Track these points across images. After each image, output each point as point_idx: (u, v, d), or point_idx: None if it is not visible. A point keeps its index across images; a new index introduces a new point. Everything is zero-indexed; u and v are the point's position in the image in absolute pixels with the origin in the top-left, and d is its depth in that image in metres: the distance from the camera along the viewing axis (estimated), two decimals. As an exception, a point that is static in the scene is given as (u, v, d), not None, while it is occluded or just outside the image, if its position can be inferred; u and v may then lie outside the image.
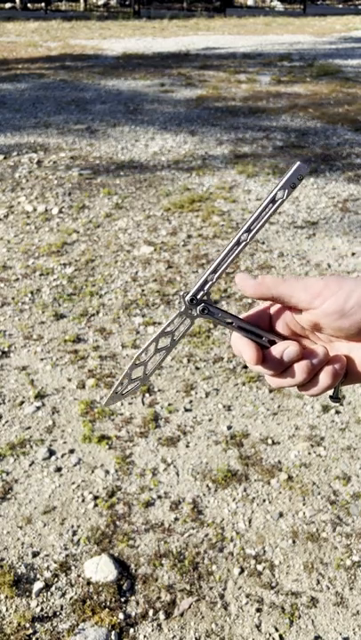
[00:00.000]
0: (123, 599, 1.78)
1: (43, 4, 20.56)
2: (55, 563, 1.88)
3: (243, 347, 0.61)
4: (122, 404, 2.53)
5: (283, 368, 0.60)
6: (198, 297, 0.64)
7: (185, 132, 6.32)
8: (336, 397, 0.63)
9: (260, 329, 0.62)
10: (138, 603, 1.77)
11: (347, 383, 0.63)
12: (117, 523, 2.01)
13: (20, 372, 2.72)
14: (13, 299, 3.28)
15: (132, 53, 11.42)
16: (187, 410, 2.52)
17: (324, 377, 0.59)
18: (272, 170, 5.22)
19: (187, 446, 2.33)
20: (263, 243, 3.93)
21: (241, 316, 0.63)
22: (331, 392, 0.63)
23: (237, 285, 0.62)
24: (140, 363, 0.66)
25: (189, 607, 1.76)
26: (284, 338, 0.62)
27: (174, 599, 1.78)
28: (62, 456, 2.28)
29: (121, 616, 1.73)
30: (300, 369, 0.59)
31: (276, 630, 1.71)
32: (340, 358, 0.60)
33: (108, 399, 0.67)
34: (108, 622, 1.71)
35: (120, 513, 2.04)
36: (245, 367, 2.77)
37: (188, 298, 0.64)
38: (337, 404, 0.64)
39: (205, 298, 0.64)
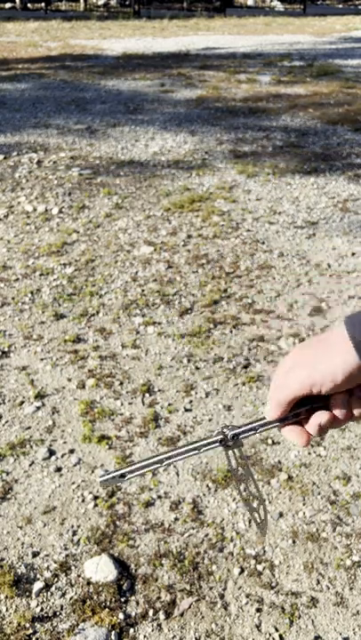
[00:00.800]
0: (123, 599, 1.78)
1: (43, 4, 20.57)
2: (55, 563, 1.88)
3: (290, 436, 0.72)
4: (122, 404, 2.53)
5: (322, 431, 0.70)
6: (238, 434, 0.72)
7: (185, 132, 6.32)
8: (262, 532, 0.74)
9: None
10: (138, 603, 1.77)
11: None
12: (117, 523, 2.01)
13: (19, 371, 2.72)
14: (13, 299, 3.28)
15: (132, 53, 11.42)
16: (187, 410, 2.52)
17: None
18: (272, 170, 5.22)
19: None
20: (263, 243, 3.93)
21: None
22: None
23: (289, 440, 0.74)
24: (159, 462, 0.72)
25: (189, 607, 1.76)
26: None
27: (174, 599, 1.78)
28: (62, 456, 2.28)
29: (121, 616, 1.73)
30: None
31: (276, 630, 1.71)
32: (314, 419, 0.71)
33: (107, 479, 0.70)
34: (108, 622, 1.71)
35: (120, 513, 2.04)
36: (245, 367, 2.77)
37: (231, 434, 0.72)
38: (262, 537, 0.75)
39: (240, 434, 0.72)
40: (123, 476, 0.69)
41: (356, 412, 0.67)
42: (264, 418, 0.71)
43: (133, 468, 0.69)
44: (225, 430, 0.71)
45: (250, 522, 2.02)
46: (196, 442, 0.71)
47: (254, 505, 0.71)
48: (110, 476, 0.69)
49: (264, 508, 0.71)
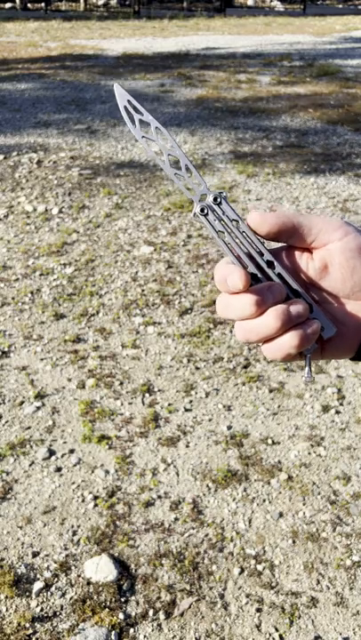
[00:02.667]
0: (123, 599, 1.78)
1: (43, 4, 20.57)
2: (55, 563, 1.88)
3: (232, 269, 0.53)
4: (122, 404, 2.53)
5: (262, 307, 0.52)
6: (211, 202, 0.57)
7: (185, 131, 6.32)
8: (309, 376, 0.57)
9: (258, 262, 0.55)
10: (138, 603, 1.77)
11: (328, 357, 0.56)
12: (117, 523, 2.01)
13: (19, 371, 2.72)
14: (13, 299, 3.28)
15: (132, 53, 11.42)
16: (187, 410, 2.52)
17: (291, 336, 0.51)
18: (272, 170, 5.22)
19: (187, 446, 2.33)
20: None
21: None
22: (306, 372, 0.57)
23: (254, 222, 0.55)
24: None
25: (189, 607, 1.76)
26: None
27: (174, 599, 1.78)
28: (62, 456, 2.28)
29: (121, 616, 1.73)
30: (274, 314, 0.51)
31: (277, 630, 1.71)
32: (314, 324, 0.52)
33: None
34: (108, 622, 1.71)
35: (120, 513, 2.04)
36: (245, 367, 2.77)
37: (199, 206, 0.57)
38: (310, 383, 0.59)
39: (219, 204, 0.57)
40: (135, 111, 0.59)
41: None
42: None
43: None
44: (208, 198, 0.57)
45: (250, 522, 2.02)
46: (183, 174, 0.61)
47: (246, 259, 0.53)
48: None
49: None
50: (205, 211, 0.57)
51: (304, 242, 0.54)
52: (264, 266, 0.55)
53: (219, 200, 0.57)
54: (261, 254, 0.56)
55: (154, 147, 0.55)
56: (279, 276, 0.55)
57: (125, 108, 0.61)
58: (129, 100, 0.61)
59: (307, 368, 0.56)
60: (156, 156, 0.60)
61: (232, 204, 4.51)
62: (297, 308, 0.52)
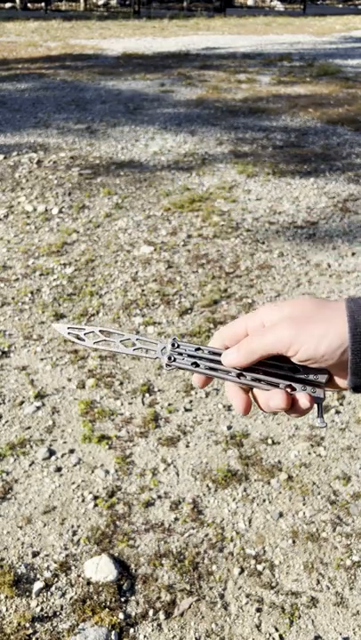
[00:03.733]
0: (123, 599, 1.78)
1: (43, 4, 20.56)
2: (55, 563, 1.88)
3: (232, 397, 0.66)
4: (122, 404, 2.53)
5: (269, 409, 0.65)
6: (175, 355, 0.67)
7: (185, 131, 6.31)
8: (322, 422, 0.68)
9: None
10: (138, 603, 1.77)
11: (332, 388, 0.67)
12: (117, 523, 2.01)
13: (19, 371, 2.72)
14: (13, 299, 3.28)
15: (132, 53, 11.42)
16: (187, 410, 2.52)
17: (302, 400, 0.64)
18: (272, 170, 5.22)
19: (187, 446, 2.33)
20: (263, 242, 3.93)
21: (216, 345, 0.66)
22: (316, 415, 0.67)
23: (231, 364, 0.65)
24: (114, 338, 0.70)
25: (189, 607, 1.76)
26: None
27: (174, 599, 1.78)
28: (62, 456, 2.28)
29: (121, 616, 1.73)
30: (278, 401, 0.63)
31: (277, 630, 1.71)
32: (303, 398, 0.65)
33: (59, 326, 0.70)
34: (108, 622, 1.71)
35: (120, 513, 2.04)
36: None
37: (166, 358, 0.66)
38: (323, 427, 0.68)
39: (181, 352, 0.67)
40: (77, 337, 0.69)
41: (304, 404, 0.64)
42: (214, 355, 0.65)
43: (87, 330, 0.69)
44: (167, 348, 0.66)
45: (250, 521, 2.02)
46: (140, 345, 0.68)
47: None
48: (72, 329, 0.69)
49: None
50: (172, 358, 0.66)
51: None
52: (237, 374, 0.65)
53: (175, 344, 0.66)
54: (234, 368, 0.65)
55: (111, 344, 0.62)
56: (253, 379, 0.64)
57: (69, 334, 0.72)
58: (68, 327, 0.71)
59: (319, 415, 0.67)
60: (113, 348, 0.70)
61: (232, 204, 4.52)
62: (275, 402, 0.63)
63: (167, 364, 0.66)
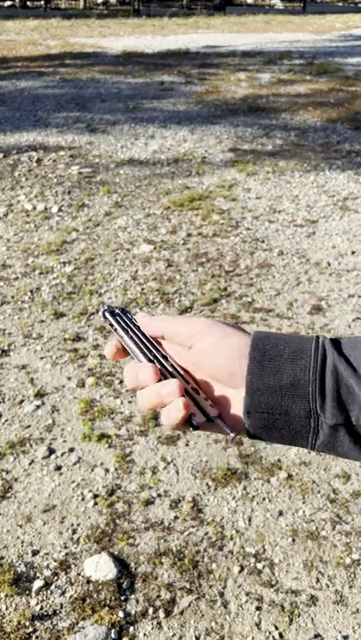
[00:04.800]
0: (122, 597, 1.78)
1: (42, 2, 20.53)
2: (55, 561, 1.88)
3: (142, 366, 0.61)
4: (121, 403, 2.53)
5: (135, 384, 0.60)
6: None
7: (185, 130, 6.31)
8: (228, 433, 0.59)
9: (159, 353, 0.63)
10: (138, 601, 1.77)
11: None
12: (117, 521, 2.01)
13: (19, 370, 2.72)
14: (13, 297, 3.28)
15: (131, 51, 11.41)
16: (186, 408, 2.51)
17: (162, 412, 0.58)
18: (272, 168, 5.22)
19: (186, 445, 2.33)
20: (263, 241, 3.93)
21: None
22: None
23: (141, 323, 0.64)
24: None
25: (189, 605, 1.76)
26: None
27: (174, 597, 1.78)
28: (62, 455, 2.28)
29: (121, 614, 1.73)
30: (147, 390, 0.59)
31: (276, 628, 1.71)
32: (173, 411, 0.56)
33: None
34: (108, 620, 1.71)
35: (120, 511, 2.04)
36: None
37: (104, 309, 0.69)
38: (231, 441, 0.62)
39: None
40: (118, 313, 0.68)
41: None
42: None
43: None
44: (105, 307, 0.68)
45: (249, 520, 2.02)
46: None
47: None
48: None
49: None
50: (113, 313, 0.68)
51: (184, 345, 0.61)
52: (161, 359, 0.62)
53: (125, 310, 0.68)
54: (157, 350, 0.63)
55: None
56: (172, 367, 0.61)
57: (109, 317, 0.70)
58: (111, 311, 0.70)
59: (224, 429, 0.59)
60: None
61: (232, 202, 4.51)
62: (167, 389, 0.57)
63: (103, 314, 0.68)
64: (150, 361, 0.61)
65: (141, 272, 3.54)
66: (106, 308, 0.68)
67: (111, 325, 0.67)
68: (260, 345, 0.56)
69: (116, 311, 0.68)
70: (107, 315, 0.68)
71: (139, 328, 0.65)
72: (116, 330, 0.66)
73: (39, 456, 2.26)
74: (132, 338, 0.64)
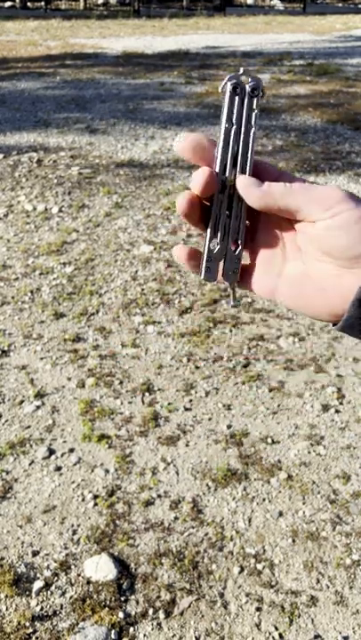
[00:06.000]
0: (122, 598, 1.78)
1: (42, 3, 20.54)
2: (55, 562, 1.88)
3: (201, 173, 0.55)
4: (121, 404, 2.53)
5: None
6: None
7: (185, 130, 6.31)
8: (235, 300, 0.58)
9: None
10: (138, 602, 1.77)
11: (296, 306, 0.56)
12: (117, 522, 2.01)
13: (19, 371, 2.72)
14: (13, 298, 3.28)
15: (131, 52, 11.41)
16: (186, 409, 2.52)
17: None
18: (272, 169, 5.22)
19: (186, 445, 2.33)
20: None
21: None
22: (231, 300, 0.59)
23: (239, 190, 0.54)
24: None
25: (189, 606, 1.76)
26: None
27: (174, 598, 1.78)
28: (62, 455, 2.28)
29: (121, 615, 1.73)
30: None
31: (276, 629, 1.71)
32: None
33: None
34: (108, 621, 1.71)
35: (120, 512, 2.04)
36: (245, 366, 2.77)
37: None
38: (237, 307, 0.58)
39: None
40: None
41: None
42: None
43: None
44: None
45: (249, 521, 2.02)
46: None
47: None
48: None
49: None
50: (238, 91, 0.53)
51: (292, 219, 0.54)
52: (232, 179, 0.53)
53: (257, 92, 0.53)
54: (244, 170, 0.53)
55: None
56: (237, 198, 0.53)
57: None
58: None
59: (231, 295, 0.57)
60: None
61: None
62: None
63: (223, 88, 0.53)
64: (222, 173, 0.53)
65: (141, 272, 3.54)
66: (231, 85, 0.53)
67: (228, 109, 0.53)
68: None
69: (246, 88, 0.54)
70: (228, 87, 0.53)
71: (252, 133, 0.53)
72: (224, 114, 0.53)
73: (39, 456, 2.26)
74: (227, 143, 0.53)
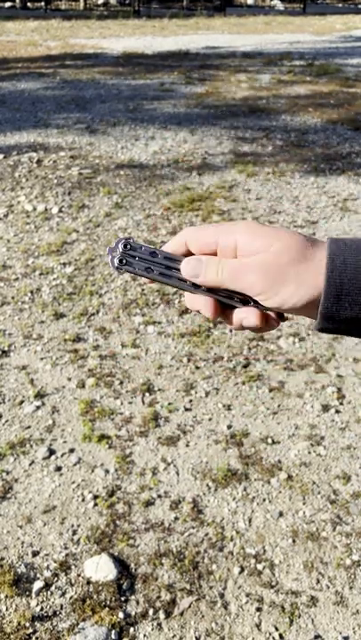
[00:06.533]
0: (123, 598, 1.78)
1: (42, 3, 20.54)
2: (55, 562, 1.88)
3: (196, 302, 0.61)
4: (122, 404, 2.53)
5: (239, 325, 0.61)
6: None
7: (185, 131, 6.31)
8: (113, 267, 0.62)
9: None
10: (138, 602, 1.77)
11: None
12: (117, 522, 2.01)
13: (19, 371, 2.72)
14: (13, 298, 3.28)
15: (131, 52, 11.41)
16: (187, 409, 2.52)
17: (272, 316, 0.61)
18: (272, 169, 5.22)
19: (187, 445, 2.33)
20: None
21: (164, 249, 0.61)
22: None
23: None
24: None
25: (189, 606, 1.76)
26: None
27: (174, 598, 1.78)
28: (62, 455, 2.28)
29: (121, 615, 1.73)
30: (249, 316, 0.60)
31: (276, 629, 1.71)
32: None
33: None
34: (108, 621, 1.71)
35: (120, 512, 2.04)
36: (245, 367, 2.77)
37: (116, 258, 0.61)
38: (117, 272, 0.60)
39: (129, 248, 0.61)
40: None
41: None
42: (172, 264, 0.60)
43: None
44: (118, 249, 0.61)
45: (250, 521, 2.02)
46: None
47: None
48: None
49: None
50: (124, 260, 0.60)
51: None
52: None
53: (128, 245, 0.60)
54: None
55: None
56: (208, 289, 0.60)
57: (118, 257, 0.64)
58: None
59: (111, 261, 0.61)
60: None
61: (232, 203, 4.51)
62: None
63: (117, 268, 0.61)
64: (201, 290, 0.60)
65: (142, 273, 3.54)
66: (116, 255, 0.61)
67: (134, 273, 0.61)
68: (336, 280, 0.55)
69: (127, 252, 0.61)
70: (122, 266, 0.61)
71: (154, 253, 0.60)
72: (143, 276, 0.61)
73: (39, 457, 2.26)
74: (165, 275, 0.60)
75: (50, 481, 2.16)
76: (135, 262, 0.60)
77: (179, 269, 0.60)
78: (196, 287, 0.60)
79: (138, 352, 2.86)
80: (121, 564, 1.87)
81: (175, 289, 0.54)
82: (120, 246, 0.61)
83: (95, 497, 2.10)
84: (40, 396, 2.57)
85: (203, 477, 2.18)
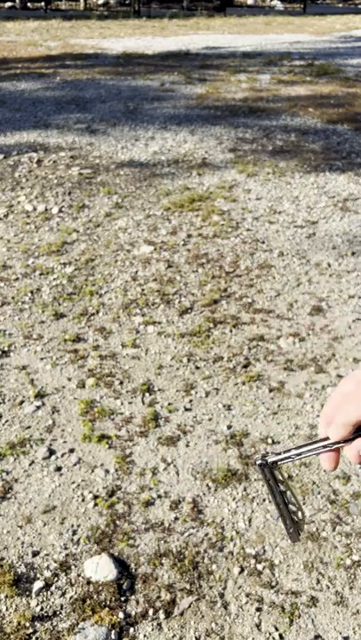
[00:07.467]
0: (123, 598, 1.78)
1: (42, 4, 20.54)
2: (55, 562, 1.88)
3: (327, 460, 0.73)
4: (122, 404, 2.53)
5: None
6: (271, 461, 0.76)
7: (185, 131, 6.31)
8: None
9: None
10: (138, 602, 1.77)
11: None
12: (117, 522, 2.01)
13: (19, 371, 2.72)
14: (13, 298, 3.28)
15: (132, 52, 11.41)
16: (187, 409, 2.52)
17: None
18: (272, 169, 5.22)
19: (187, 446, 2.33)
20: (263, 242, 3.93)
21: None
22: None
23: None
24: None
25: (189, 606, 1.76)
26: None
27: (174, 598, 1.78)
28: (62, 455, 2.28)
29: (121, 615, 1.73)
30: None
31: (276, 629, 1.71)
32: None
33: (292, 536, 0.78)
34: (108, 621, 1.71)
35: (120, 512, 2.04)
36: (245, 367, 2.77)
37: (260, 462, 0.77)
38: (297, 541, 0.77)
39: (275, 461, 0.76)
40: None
41: None
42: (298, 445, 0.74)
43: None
44: (264, 457, 0.76)
45: (250, 521, 2.02)
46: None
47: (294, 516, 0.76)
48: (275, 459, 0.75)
49: (300, 521, 0.77)
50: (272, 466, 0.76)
51: None
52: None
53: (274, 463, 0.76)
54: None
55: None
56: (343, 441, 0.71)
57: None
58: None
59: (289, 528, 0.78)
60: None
61: (232, 203, 4.52)
62: None
63: (264, 464, 0.76)
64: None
65: (142, 273, 3.54)
66: (265, 463, 0.76)
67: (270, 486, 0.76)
68: None
69: (270, 466, 0.76)
70: (266, 472, 0.77)
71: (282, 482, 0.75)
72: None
73: (39, 457, 2.26)
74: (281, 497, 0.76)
75: (50, 481, 2.16)
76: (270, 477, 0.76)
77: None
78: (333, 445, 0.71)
79: (138, 352, 2.86)
80: (121, 564, 1.87)
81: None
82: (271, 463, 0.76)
83: (95, 497, 2.10)
84: (40, 396, 2.57)
85: (203, 477, 2.18)
